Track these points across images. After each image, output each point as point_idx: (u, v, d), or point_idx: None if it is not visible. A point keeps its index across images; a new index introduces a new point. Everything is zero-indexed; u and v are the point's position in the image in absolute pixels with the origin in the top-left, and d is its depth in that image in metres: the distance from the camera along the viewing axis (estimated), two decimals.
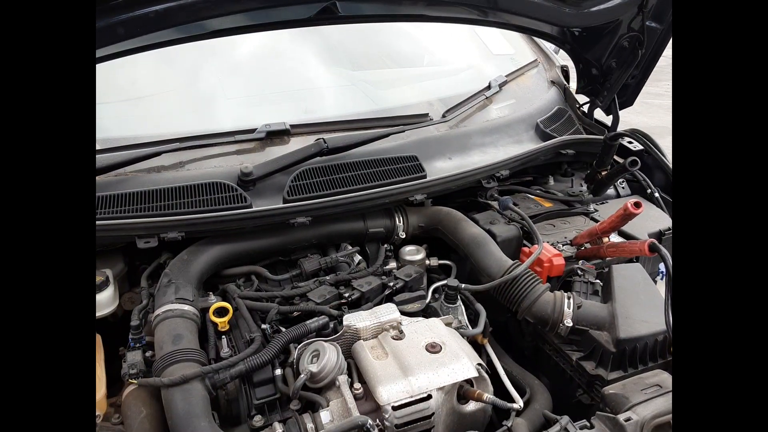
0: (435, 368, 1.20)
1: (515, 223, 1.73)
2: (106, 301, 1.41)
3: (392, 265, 1.65)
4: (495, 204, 1.83)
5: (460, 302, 1.49)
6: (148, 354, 1.28)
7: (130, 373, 1.23)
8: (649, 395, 1.19)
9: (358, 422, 1.07)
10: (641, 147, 2.08)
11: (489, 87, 2.14)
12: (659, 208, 1.96)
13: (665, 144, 2.01)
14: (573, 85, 2.32)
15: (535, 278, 1.46)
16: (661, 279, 1.84)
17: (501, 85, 2.18)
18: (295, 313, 1.41)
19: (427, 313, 1.49)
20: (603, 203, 2.00)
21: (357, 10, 1.46)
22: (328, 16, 1.38)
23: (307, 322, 1.34)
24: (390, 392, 1.15)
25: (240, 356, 1.24)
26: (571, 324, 1.37)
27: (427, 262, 1.71)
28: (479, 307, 1.49)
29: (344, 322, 1.33)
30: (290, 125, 1.76)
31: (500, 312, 1.65)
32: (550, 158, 2.05)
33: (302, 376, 1.19)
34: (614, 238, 1.71)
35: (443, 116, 1.99)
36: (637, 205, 1.46)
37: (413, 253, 1.70)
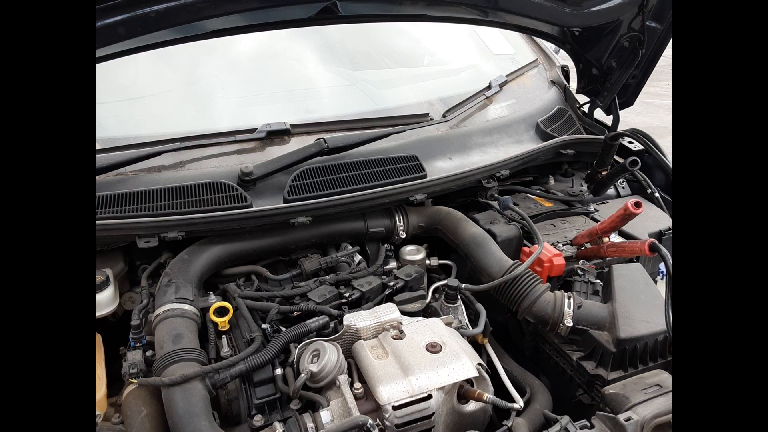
0: (435, 368, 1.20)
1: (515, 222, 1.73)
2: (106, 300, 1.41)
3: (392, 264, 1.65)
4: (495, 204, 1.83)
5: (460, 302, 1.49)
6: (148, 353, 1.28)
7: (131, 373, 1.23)
8: (650, 395, 1.19)
9: (359, 422, 1.07)
10: (641, 147, 2.07)
11: (489, 87, 2.15)
12: (659, 208, 1.96)
13: (665, 144, 2.01)
14: (573, 85, 2.33)
15: (535, 278, 1.46)
16: (661, 279, 1.84)
17: (501, 85, 2.18)
18: (296, 313, 1.41)
19: (428, 312, 1.49)
20: (603, 203, 2.00)
21: (357, 9, 1.46)
22: (328, 16, 1.38)
23: (308, 321, 1.34)
24: (390, 392, 1.15)
25: (240, 356, 1.25)
26: (571, 324, 1.37)
27: (428, 261, 1.71)
28: (479, 306, 1.49)
29: (344, 322, 1.33)
30: (290, 125, 1.76)
31: (500, 312, 1.66)
32: (551, 158, 2.05)
33: (302, 375, 1.20)
34: (614, 238, 1.71)
35: (443, 116, 1.99)
36: (638, 205, 1.46)
37: (413, 252, 1.70)
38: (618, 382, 1.28)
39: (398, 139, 1.86)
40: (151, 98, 1.82)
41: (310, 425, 1.14)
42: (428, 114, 1.98)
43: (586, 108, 2.29)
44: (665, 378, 1.27)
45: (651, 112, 7.43)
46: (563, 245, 1.69)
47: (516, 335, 1.68)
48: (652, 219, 1.84)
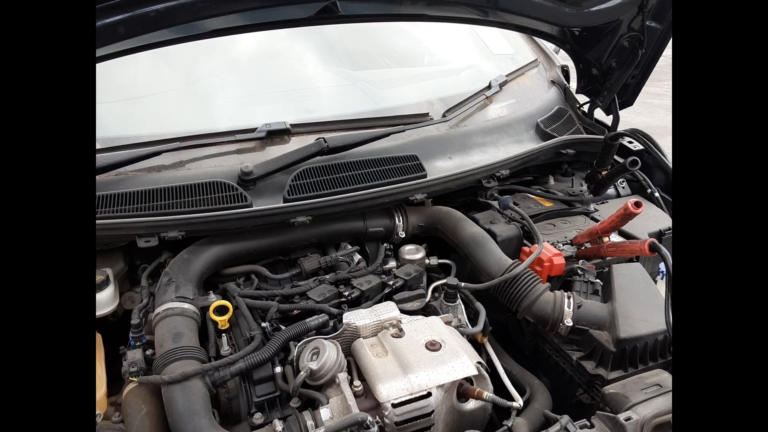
0: (435, 366, 1.20)
1: (515, 222, 1.73)
2: (106, 300, 1.42)
3: (392, 264, 1.65)
4: (495, 203, 1.83)
5: (459, 301, 1.49)
6: (148, 352, 1.28)
7: (131, 372, 1.23)
8: (650, 395, 1.19)
9: (358, 419, 1.07)
10: (641, 147, 2.08)
11: (489, 87, 2.15)
12: (659, 207, 1.96)
13: (665, 144, 2.01)
14: (573, 85, 2.33)
15: (535, 278, 1.46)
16: (661, 278, 1.84)
17: (501, 85, 2.18)
18: (295, 312, 1.41)
19: (427, 311, 1.49)
20: (603, 203, 2.00)
21: (357, 9, 1.46)
22: (328, 16, 1.38)
23: (307, 320, 1.34)
24: (390, 390, 1.15)
25: (240, 354, 1.25)
26: (571, 323, 1.37)
27: (427, 261, 1.71)
28: (479, 305, 1.49)
29: (344, 321, 1.33)
30: (290, 125, 1.76)
31: (500, 311, 1.66)
32: (551, 158, 2.05)
33: (302, 373, 1.20)
34: (614, 237, 1.71)
35: (443, 116, 1.99)
36: (638, 204, 1.46)
37: (413, 252, 1.70)
38: (618, 381, 1.28)
39: (398, 138, 1.86)
40: (151, 98, 1.82)
41: (309, 423, 1.14)
42: (428, 114, 1.98)
43: (586, 108, 2.29)
44: (665, 378, 1.27)
45: (651, 112, 7.44)
46: (563, 245, 1.69)
47: (516, 335, 1.68)
48: (652, 219, 1.84)
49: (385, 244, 1.71)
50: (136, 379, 1.23)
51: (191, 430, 1.08)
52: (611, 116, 2.20)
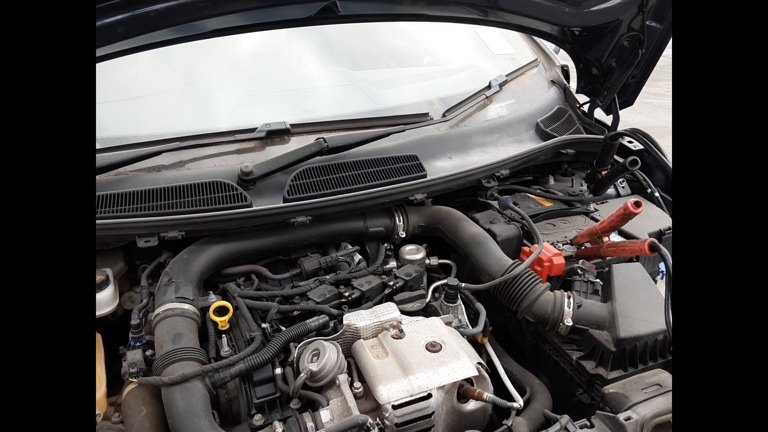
0: (435, 367, 1.20)
1: (515, 222, 1.73)
2: (106, 300, 1.41)
3: (392, 264, 1.65)
4: (495, 203, 1.83)
5: (460, 301, 1.49)
6: (148, 353, 1.28)
7: (131, 372, 1.23)
8: (649, 394, 1.19)
9: (358, 421, 1.07)
10: (641, 146, 2.08)
11: (489, 86, 2.15)
12: (659, 207, 1.96)
13: (665, 144, 2.01)
14: (573, 85, 2.33)
15: (535, 277, 1.46)
16: (661, 278, 1.84)
17: (501, 85, 2.18)
18: (296, 312, 1.41)
19: (427, 312, 1.49)
20: (603, 203, 2.00)
21: (357, 9, 1.46)
22: (328, 16, 1.38)
23: (307, 321, 1.34)
24: (390, 391, 1.15)
25: (240, 355, 1.25)
26: (571, 323, 1.37)
27: (427, 261, 1.71)
28: (479, 306, 1.49)
29: (344, 321, 1.33)
30: (290, 124, 1.76)
31: (500, 311, 1.66)
32: (550, 158, 2.05)
33: (302, 374, 1.20)
34: (614, 237, 1.71)
35: (443, 116, 1.99)
36: (637, 204, 1.46)
37: (413, 252, 1.70)
38: (618, 381, 1.28)
39: (398, 138, 1.86)
40: (151, 98, 1.82)
41: (309, 424, 1.14)
42: (428, 114, 1.98)
43: (586, 108, 2.29)
44: (665, 377, 1.27)
45: (651, 112, 7.44)
46: (563, 245, 1.69)
47: (516, 335, 1.68)
48: (652, 219, 1.84)
49: (385, 244, 1.71)
50: (135, 380, 1.23)
51: None
52: (611, 116, 2.20)
